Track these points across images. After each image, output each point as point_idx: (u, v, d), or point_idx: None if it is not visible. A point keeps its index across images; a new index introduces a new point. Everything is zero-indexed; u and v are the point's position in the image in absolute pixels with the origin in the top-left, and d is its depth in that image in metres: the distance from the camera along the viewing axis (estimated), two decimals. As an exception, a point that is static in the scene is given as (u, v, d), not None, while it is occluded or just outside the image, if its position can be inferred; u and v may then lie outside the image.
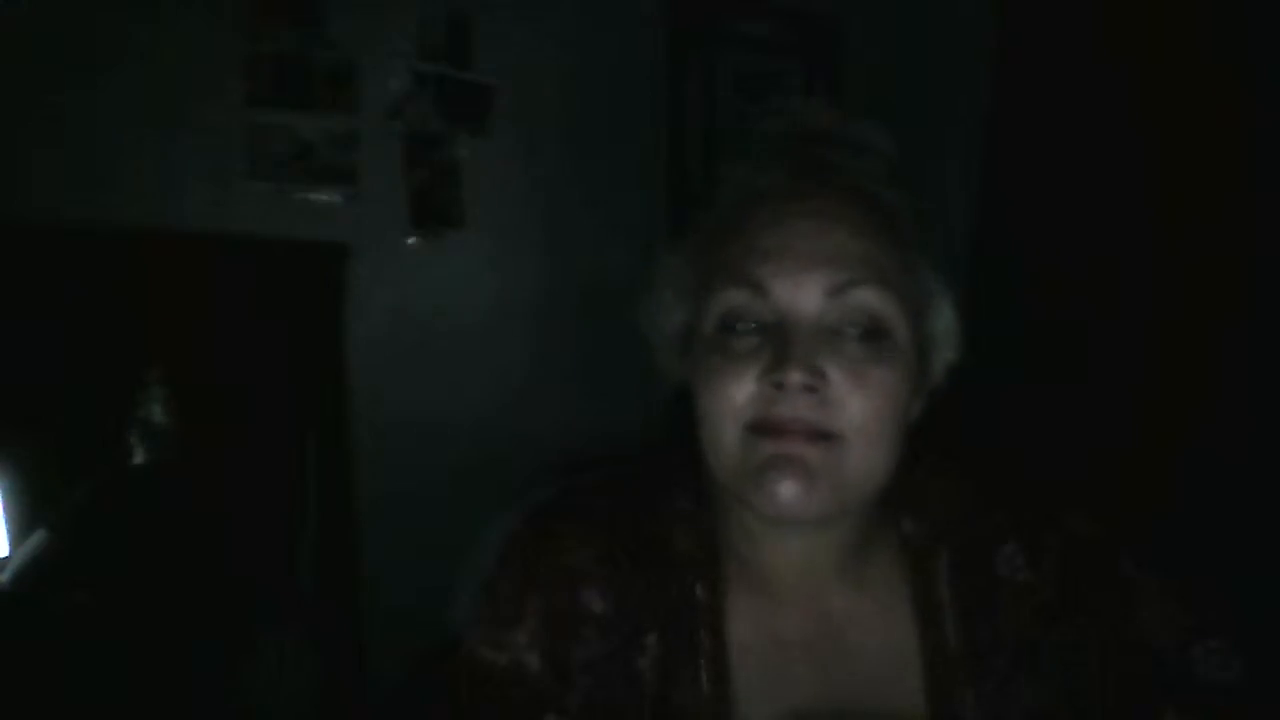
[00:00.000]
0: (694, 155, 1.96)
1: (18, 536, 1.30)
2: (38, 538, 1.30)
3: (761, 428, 0.59)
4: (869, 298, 0.59)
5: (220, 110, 1.58)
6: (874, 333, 0.60)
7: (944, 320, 0.65)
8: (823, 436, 0.58)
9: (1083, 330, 1.79)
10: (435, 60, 1.74)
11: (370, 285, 1.71)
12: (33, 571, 1.27)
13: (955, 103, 2.11)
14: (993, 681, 0.64)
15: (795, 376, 0.57)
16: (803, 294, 0.59)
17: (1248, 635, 0.65)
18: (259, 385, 1.59)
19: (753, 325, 0.60)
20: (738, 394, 0.59)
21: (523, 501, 0.74)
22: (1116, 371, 1.73)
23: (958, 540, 0.68)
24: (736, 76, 2.02)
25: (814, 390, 0.58)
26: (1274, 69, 1.53)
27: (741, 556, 0.67)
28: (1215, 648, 0.63)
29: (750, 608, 0.66)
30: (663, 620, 0.65)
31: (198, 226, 1.56)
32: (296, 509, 1.64)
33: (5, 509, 1.30)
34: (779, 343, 0.58)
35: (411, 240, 1.76)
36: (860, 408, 0.58)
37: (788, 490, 0.58)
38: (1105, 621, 0.65)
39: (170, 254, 1.51)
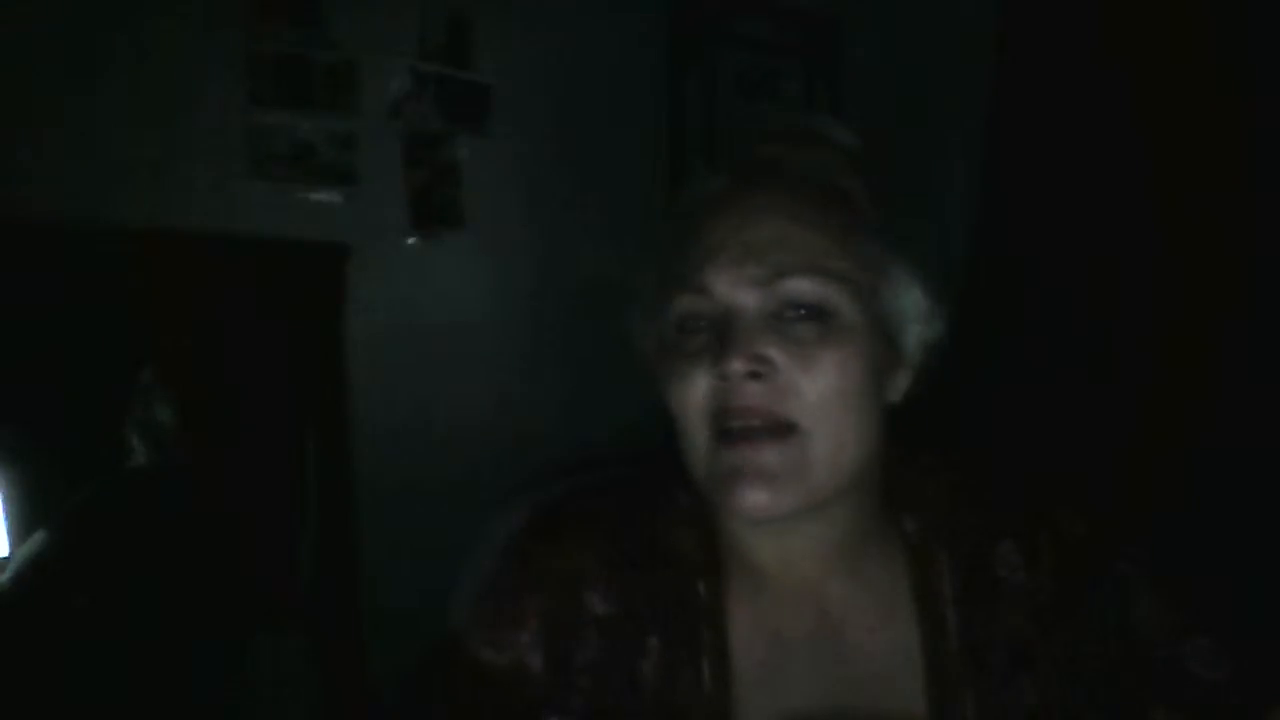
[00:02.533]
0: (694, 155, 1.96)
1: (18, 536, 1.30)
2: (38, 538, 1.30)
3: (722, 427, 0.59)
4: (800, 286, 0.60)
5: (220, 110, 1.57)
6: (816, 315, 0.60)
7: (910, 297, 0.64)
8: (781, 430, 0.58)
9: (1083, 330, 1.79)
10: (435, 60, 1.74)
11: (370, 285, 1.70)
12: (33, 572, 1.27)
13: (955, 103, 2.11)
14: (992, 680, 0.64)
15: (736, 364, 0.58)
16: (739, 287, 0.60)
17: (1247, 634, 0.65)
18: (259, 385, 1.59)
19: (703, 324, 0.62)
20: (694, 392, 0.61)
21: (523, 502, 0.74)
22: (1116, 371, 1.73)
23: (958, 539, 0.68)
24: (736, 76, 2.02)
25: (759, 376, 0.58)
26: (1274, 69, 1.53)
27: (740, 555, 0.67)
28: (1206, 646, 0.64)
29: (751, 606, 0.66)
30: (664, 622, 0.65)
31: (198, 226, 1.56)
32: (296, 509, 1.64)
33: (5, 509, 1.30)
34: (721, 336, 0.59)
35: (411, 240, 1.76)
36: (813, 390, 0.59)
37: (753, 498, 0.58)
38: (1100, 620, 0.65)
39: (170, 254, 1.51)
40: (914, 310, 0.65)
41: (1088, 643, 0.65)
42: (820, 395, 0.59)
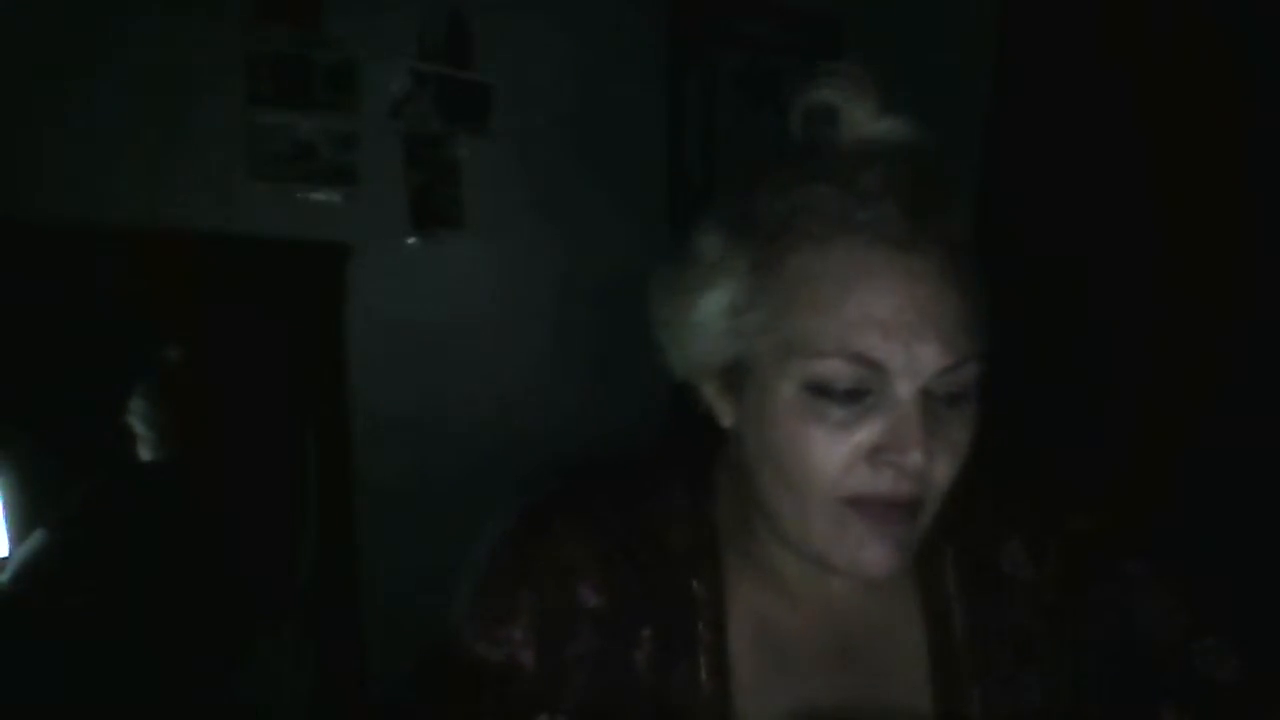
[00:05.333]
0: (694, 155, 1.96)
1: (18, 536, 1.30)
2: (38, 538, 1.30)
3: (861, 503, 0.57)
4: (972, 372, 0.57)
5: (220, 110, 1.57)
6: (963, 394, 0.57)
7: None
8: (915, 507, 0.57)
9: (1083, 330, 1.79)
10: (435, 60, 1.74)
11: (370, 285, 1.70)
12: (33, 571, 1.27)
13: (955, 103, 2.11)
14: (997, 678, 0.64)
15: (917, 459, 0.54)
16: (915, 369, 0.54)
17: (1248, 634, 0.65)
18: (259, 385, 1.59)
19: (849, 389, 0.55)
20: (833, 465, 0.56)
21: (520, 500, 0.74)
22: (1117, 371, 1.73)
23: (963, 537, 0.68)
24: (736, 76, 2.02)
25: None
26: (1274, 69, 1.53)
27: (744, 551, 0.67)
28: (1213, 646, 0.64)
29: (752, 601, 0.66)
30: (657, 614, 0.65)
31: (198, 226, 1.56)
32: (296, 509, 1.64)
33: (5, 509, 1.30)
34: (897, 424, 0.55)
35: (411, 240, 1.76)
36: (944, 473, 0.57)
37: (880, 564, 0.57)
38: (1106, 619, 0.65)
39: (170, 254, 1.51)
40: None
41: (1093, 641, 0.65)
42: (948, 477, 0.57)
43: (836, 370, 0.55)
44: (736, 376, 0.61)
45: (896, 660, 0.65)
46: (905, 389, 0.55)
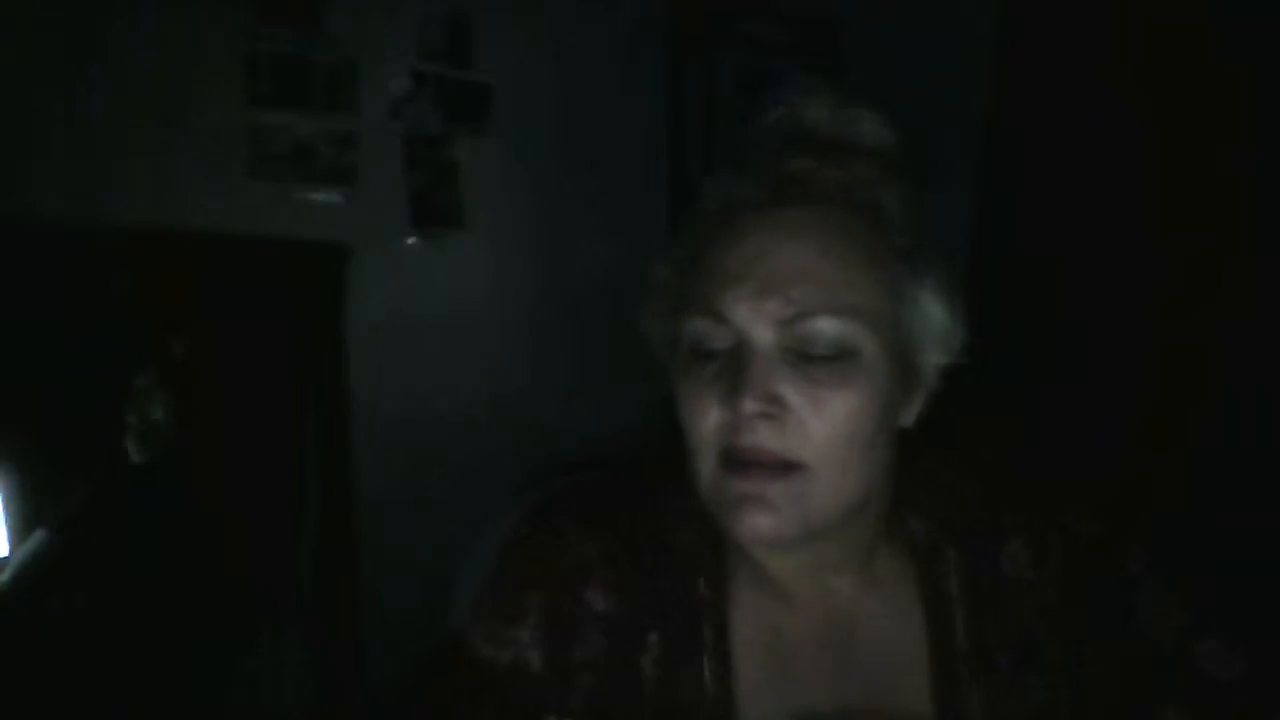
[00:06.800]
0: (694, 155, 1.96)
1: (18, 536, 1.30)
2: (37, 538, 1.30)
3: (728, 460, 0.59)
4: (823, 326, 0.57)
5: (220, 110, 1.57)
6: (836, 354, 0.58)
7: (933, 319, 0.62)
8: (786, 467, 0.58)
9: (1083, 330, 1.79)
10: (435, 60, 1.74)
11: (370, 285, 1.70)
12: (32, 571, 1.27)
13: (955, 103, 2.11)
14: (998, 679, 0.64)
15: (749, 405, 0.57)
16: (758, 321, 0.58)
17: (1248, 634, 0.65)
18: (259, 385, 1.59)
19: (716, 349, 0.60)
20: (705, 422, 0.60)
21: (523, 500, 0.74)
22: (1116, 371, 1.73)
23: (964, 538, 0.68)
24: (736, 76, 2.02)
25: (773, 417, 0.57)
26: (1274, 70, 1.53)
27: (745, 554, 0.67)
28: (1216, 646, 0.64)
29: (755, 604, 0.66)
30: (665, 618, 0.65)
31: (198, 226, 1.56)
32: (296, 509, 1.64)
33: (5, 509, 1.30)
34: (735, 370, 0.58)
35: (411, 240, 1.76)
36: (822, 432, 0.58)
37: (756, 526, 0.59)
38: (1108, 619, 0.65)
39: (170, 254, 1.52)
40: (936, 332, 0.63)
41: (1095, 642, 0.65)
42: (829, 438, 0.58)
43: (698, 326, 0.60)
44: (673, 361, 0.65)
45: (898, 662, 0.65)
46: (752, 342, 0.58)
